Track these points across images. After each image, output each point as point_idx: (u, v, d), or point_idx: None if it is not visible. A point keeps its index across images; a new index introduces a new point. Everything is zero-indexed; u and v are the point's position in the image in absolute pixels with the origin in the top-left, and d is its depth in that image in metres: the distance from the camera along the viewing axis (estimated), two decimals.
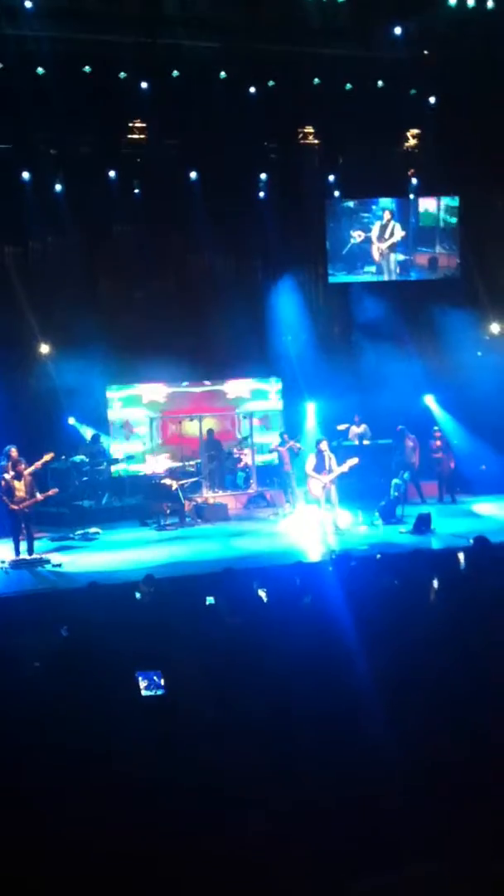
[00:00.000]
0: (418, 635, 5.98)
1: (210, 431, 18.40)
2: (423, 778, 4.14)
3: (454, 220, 20.56)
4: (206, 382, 19.69)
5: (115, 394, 19.03)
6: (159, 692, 4.83)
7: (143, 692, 4.84)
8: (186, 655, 5.56)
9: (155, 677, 4.80)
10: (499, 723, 4.60)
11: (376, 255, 20.47)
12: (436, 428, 17.26)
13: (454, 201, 20.49)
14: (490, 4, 16.20)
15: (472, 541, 9.62)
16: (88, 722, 4.65)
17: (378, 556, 9.96)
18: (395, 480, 15.36)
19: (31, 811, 3.93)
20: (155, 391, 19.27)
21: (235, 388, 19.81)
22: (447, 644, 5.71)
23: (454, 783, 4.10)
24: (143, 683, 4.80)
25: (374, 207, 20.45)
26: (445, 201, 20.42)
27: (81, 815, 3.88)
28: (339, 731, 4.53)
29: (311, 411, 19.04)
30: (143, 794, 4.00)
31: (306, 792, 4.05)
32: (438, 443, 16.82)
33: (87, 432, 18.09)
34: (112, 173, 18.06)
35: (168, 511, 15.82)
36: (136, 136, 18.00)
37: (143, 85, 16.92)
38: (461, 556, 9.34)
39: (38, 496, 13.14)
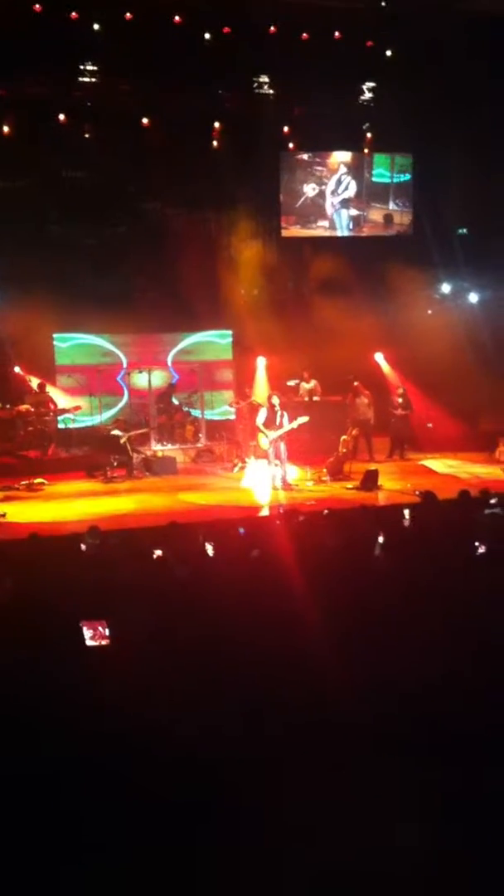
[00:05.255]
0: (366, 584, 6.04)
1: (170, 385, 18.33)
2: (368, 717, 4.20)
3: (408, 176, 20.53)
4: (156, 333, 19.50)
5: (62, 343, 18.77)
6: (104, 642, 4.79)
7: (88, 642, 4.80)
8: (132, 606, 5.53)
9: (100, 627, 4.76)
10: (449, 661, 4.70)
11: (328, 210, 20.37)
12: (401, 388, 17.39)
13: (408, 157, 20.44)
14: None
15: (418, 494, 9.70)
16: (32, 673, 4.60)
17: (325, 511, 9.97)
18: (343, 437, 15.41)
19: None
20: (104, 341, 19.05)
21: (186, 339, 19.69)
22: (394, 593, 5.78)
23: (406, 722, 4.18)
24: (87, 633, 4.76)
25: (328, 161, 20.31)
26: (399, 157, 20.37)
27: (26, 765, 3.85)
28: (289, 673, 4.58)
29: (261, 366, 18.98)
30: (88, 742, 3.98)
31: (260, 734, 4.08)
32: (400, 400, 16.99)
33: (34, 381, 17.83)
34: (62, 116, 17.64)
35: (115, 463, 15.71)
36: (87, 80, 17.57)
37: (96, 27, 16.48)
38: (406, 511, 9.41)
39: None
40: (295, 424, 14.22)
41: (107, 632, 4.76)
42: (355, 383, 16.88)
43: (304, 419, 14.29)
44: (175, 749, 3.98)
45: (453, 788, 3.71)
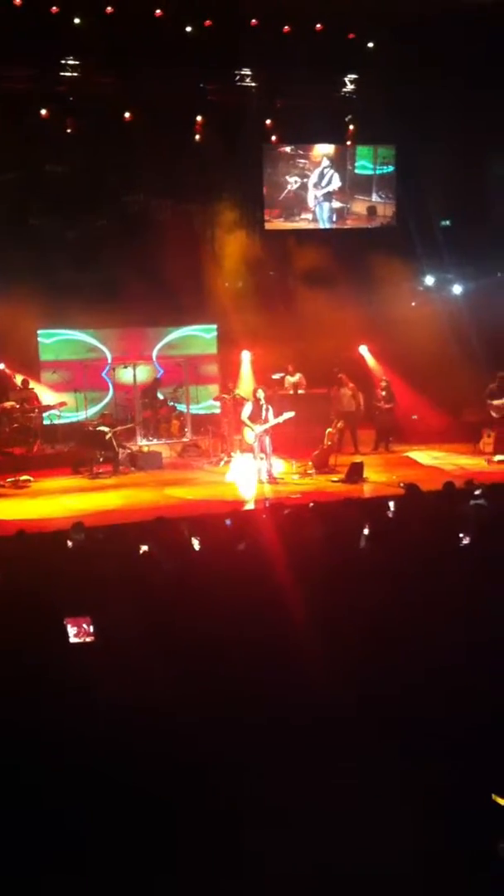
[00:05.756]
0: (351, 576, 6.06)
1: (155, 380, 18.34)
2: (356, 710, 4.22)
3: (391, 168, 20.55)
4: (141, 328, 19.44)
5: (46, 338, 18.69)
6: (89, 639, 4.79)
7: (72, 639, 4.79)
8: (119, 601, 5.53)
9: (84, 624, 4.75)
10: (430, 658, 4.72)
11: (311, 202, 20.38)
12: (384, 381, 17.44)
13: (391, 149, 20.45)
14: None
15: (402, 486, 9.76)
16: (18, 669, 4.60)
17: (311, 504, 10.00)
18: (328, 429, 15.44)
19: None
20: (88, 336, 18.98)
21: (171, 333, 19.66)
22: (380, 585, 5.79)
23: (385, 716, 4.19)
24: (71, 630, 4.75)
25: (311, 153, 20.32)
26: (382, 149, 20.39)
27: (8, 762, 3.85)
28: (276, 666, 4.59)
29: (246, 359, 18.97)
30: (72, 738, 3.98)
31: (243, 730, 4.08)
32: (384, 392, 17.04)
33: (18, 378, 17.76)
34: (44, 111, 17.55)
35: (101, 459, 15.68)
36: (69, 74, 17.50)
37: (76, 20, 16.41)
38: (391, 503, 9.46)
39: None
40: (281, 419, 14.23)
41: (91, 628, 4.75)
42: (339, 375, 16.92)
43: (290, 414, 14.31)
44: (162, 745, 3.99)
45: (441, 784, 3.74)
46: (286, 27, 17.56)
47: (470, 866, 3.34)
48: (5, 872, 3.32)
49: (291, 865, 3.32)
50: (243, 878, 3.31)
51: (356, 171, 20.47)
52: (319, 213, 20.55)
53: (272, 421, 14.19)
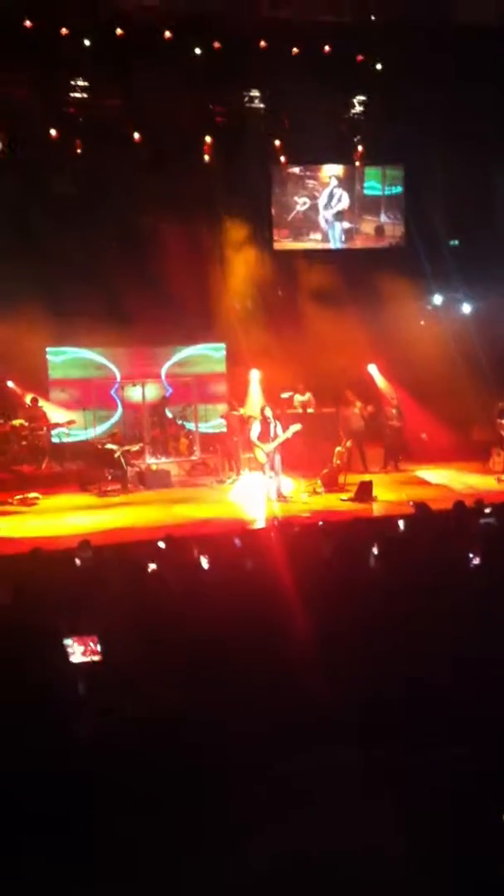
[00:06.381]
0: (357, 597, 6.04)
1: (163, 399, 18.38)
2: (362, 733, 4.21)
3: (399, 188, 20.62)
4: (149, 346, 19.49)
5: (55, 357, 18.75)
6: (95, 658, 4.76)
7: (78, 658, 4.75)
8: (127, 621, 5.52)
9: (91, 643, 4.72)
10: (432, 672, 4.71)
11: (322, 223, 20.45)
12: (395, 401, 17.46)
13: (399, 170, 20.52)
14: None
15: (412, 505, 9.76)
16: (30, 690, 4.60)
17: (320, 523, 9.98)
18: (337, 448, 15.43)
19: None
20: (97, 355, 19.04)
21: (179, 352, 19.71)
22: (389, 604, 5.77)
23: (388, 727, 4.18)
24: (78, 649, 4.71)
25: (319, 174, 20.41)
26: (390, 170, 20.47)
27: (17, 779, 3.83)
28: (284, 686, 4.58)
29: (255, 378, 18.99)
30: (80, 757, 3.98)
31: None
32: (395, 411, 17.06)
33: (27, 396, 17.82)
34: (53, 132, 17.67)
35: (109, 477, 15.68)
36: (78, 95, 17.63)
37: (86, 42, 16.56)
38: (401, 522, 9.43)
39: None
40: (289, 433, 14.21)
41: (98, 647, 4.72)
42: (347, 393, 16.94)
43: (297, 427, 14.30)
44: (167, 752, 3.98)
45: (443, 786, 3.73)
46: (294, 49, 17.66)
47: (471, 868, 3.31)
48: (10, 873, 3.32)
49: (291, 866, 3.30)
50: (243, 879, 3.30)
51: (365, 192, 20.55)
52: (331, 234, 20.62)
53: (281, 437, 14.17)
